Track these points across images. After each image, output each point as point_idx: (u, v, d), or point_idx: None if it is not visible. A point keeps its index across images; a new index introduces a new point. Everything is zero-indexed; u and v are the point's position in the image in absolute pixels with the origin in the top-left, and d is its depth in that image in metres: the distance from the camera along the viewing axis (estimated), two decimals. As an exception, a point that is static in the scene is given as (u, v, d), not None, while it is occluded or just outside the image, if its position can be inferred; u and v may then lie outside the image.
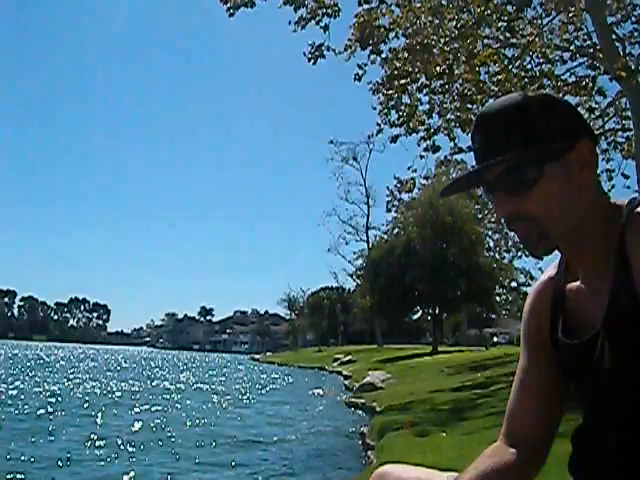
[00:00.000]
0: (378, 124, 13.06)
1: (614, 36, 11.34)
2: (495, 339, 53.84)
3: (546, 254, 1.14)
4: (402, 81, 11.89)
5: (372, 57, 12.41)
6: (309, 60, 12.41)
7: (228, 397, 17.21)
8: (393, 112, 12.56)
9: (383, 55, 12.29)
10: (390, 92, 12.26)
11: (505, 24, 11.32)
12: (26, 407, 12.63)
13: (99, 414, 11.81)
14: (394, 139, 13.04)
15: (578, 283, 1.19)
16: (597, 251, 1.13)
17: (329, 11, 11.99)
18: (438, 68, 11.45)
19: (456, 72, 11.65)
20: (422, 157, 13.36)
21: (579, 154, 1.10)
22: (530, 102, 1.12)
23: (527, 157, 1.08)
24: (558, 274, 1.25)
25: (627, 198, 1.15)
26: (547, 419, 1.24)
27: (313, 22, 12.11)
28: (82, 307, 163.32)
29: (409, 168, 14.15)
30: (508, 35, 11.64)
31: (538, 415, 1.23)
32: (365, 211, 51.13)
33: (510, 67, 12.00)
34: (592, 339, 1.11)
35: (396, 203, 40.07)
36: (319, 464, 8.02)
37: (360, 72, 12.53)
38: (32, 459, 7.52)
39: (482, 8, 11.20)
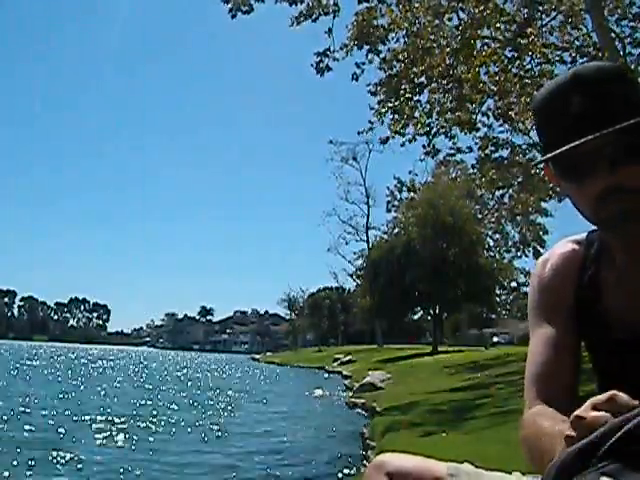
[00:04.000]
0: (370, 122, 13.10)
1: (613, 35, 11.35)
2: (495, 339, 53.75)
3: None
4: (403, 86, 11.90)
5: (370, 56, 12.45)
6: (317, 72, 12.45)
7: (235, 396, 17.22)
8: (389, 113, 12.57)
9: (382, 55, 12.31)
10: (391, 99, 12.25)
11: (513, 44, 11.37)
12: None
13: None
14: (384, 141, 13.06)
15: (618, 272, 1.08)
16: None
17: (325, 10, 12.00)
18: (442, 71, 11.46)
19: (455, 72, 11.67)
20: (422, 160, 13.45)
21: None
22: (622, 68, 1.06)
23: None
24: (588, 256, 1.14)
25: None
26: (576, 389, 1.09)
27: (310, 20, 12.13)
28: (82, 307, 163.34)
29: (410, 172, 14.42)
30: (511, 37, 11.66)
31: (574, 381, 1.09)
32: (365, 211, 51.11)
33: (510, 67, 12.01)
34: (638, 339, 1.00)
35: (396, 203, 40.28)
36: (318, 464, 8.02)
37: (358, 71, 12.56)
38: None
39: (481, 8, 11.21)
